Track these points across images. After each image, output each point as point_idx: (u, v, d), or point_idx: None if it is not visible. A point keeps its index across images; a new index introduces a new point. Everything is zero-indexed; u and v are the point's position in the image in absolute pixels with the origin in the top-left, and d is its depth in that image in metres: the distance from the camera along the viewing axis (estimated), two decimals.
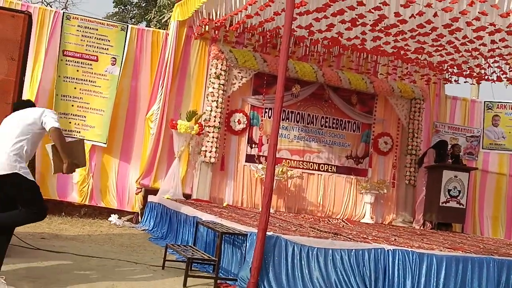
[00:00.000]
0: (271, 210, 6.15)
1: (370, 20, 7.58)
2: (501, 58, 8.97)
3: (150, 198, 8.49)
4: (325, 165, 9.86)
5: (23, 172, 4.07)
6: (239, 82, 9.12)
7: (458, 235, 8.72)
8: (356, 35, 8.55)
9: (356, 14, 7.35)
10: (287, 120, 9.68)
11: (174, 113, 8.88)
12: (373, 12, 7.11)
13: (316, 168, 9.85)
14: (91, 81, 8.71)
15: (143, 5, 19.48)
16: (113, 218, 8.33)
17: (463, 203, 9.70)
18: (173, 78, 8.92)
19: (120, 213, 8.56)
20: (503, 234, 10.66)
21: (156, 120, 8.74)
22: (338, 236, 6.08)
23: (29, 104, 4.59)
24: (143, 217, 8.42)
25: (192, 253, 5.14)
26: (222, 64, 8.91)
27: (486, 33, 7.52)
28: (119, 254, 5.67)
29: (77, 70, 8.65)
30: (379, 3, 6.75)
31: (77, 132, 8.51)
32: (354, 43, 9.05)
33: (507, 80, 10.12)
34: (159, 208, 7.97)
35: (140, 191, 8.71)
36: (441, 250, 5.82)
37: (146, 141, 8.87)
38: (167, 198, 8.13)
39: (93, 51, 8.75)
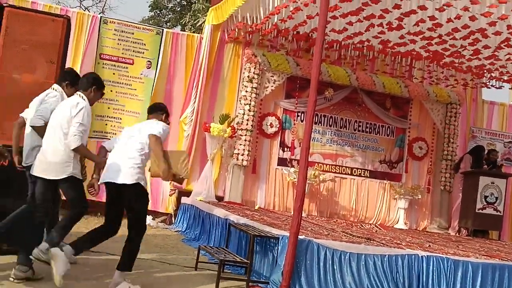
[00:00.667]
0: (303, 214, 6.14)
1: (405, 24, 7.49)
2: None
3: (184, 200, 8.57)
4: (358, 170, 9.78)
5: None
6: (272, 86, 9.14)
7: (495, 243, 8.51)
8: (391, 39, 8.46)
9: (394, 19, 7.27)
10: (320, 124, 9.64)
11: (208, 116, 8.97)
12: (409, 16, 7.03)
13: (349, 173, 9.78)
14: (127, 84, 8.87)
15: (178, 9, 19.75)
16: (148, 219, 8.44)
17: (500, 210, 9.47)
18: (207, 82, 9.01)
19: (154, 214, 8.67)
20: None
21: (190, 122, 8.84)
22: (371, 241, 6.03)
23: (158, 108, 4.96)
24: (176, 218, 8.51)
25: (225, 255, 5.17)
26: (255, 68, 8.95)
27: None
28: (153, 254, 5.75)
29: (114, 73, 8.83)
30: (416, 6, 6.67)
31: (113, 133, 8.68)
32: (388, 46, 8.95)
33: None
34: (192, 210, 8.05)
35: (174, 193, 8.80)
36: (477, 258, 5.71)
37: (180, 143, 8.97)
38: (200, 200, 8.20)
39: (129, 54, 8.91)
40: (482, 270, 5.34)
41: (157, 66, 8.99)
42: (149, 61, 8.99)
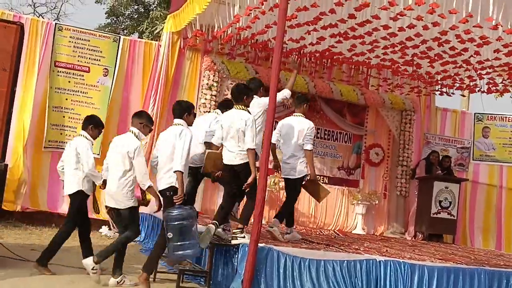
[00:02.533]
0: (263, 222, 6.14)
1: (360, 33, 7.65)
2: (492, 69, 9.07)
3: (142, 209, 8.41)
4: (317, 176, 9.84)
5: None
6: None
7: (449, 246, 8.75)
8: (347, 48, 8.62)
9: (347, 28, 7.41)
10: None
11: (166, 124, 8.86)
12: (364, 26, 7.17)
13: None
14: (83, 92, 8.70)
15: (136, 16, 19.52)
16: (104, 229, 8.28)
17: (454, 214, 9.74)
18: (165, 89, 8.93)
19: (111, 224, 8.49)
20: (494, 245, 10.69)
21: None
22: (330, 247, 6.09)
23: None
24: None
25: (184, 265, 5.12)
26: (214, 75, 8.93)
27: (475, 45, 7.61)
28: (110, 265, 5.62)
29: (69, 81, 8.64)
30: (370, 16, 6.81)
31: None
32: (345, 56, 9.12)
33: (497, 92, 10.24)
34: (150, 220, 7.93)
35: None
36: (432, 261, 5.85)
37: None
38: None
39: (85, 62, 8.75)
40: (437, 274, 5.47)
41: (114, 74, 8.86)
42: (105, 68, 8.86)
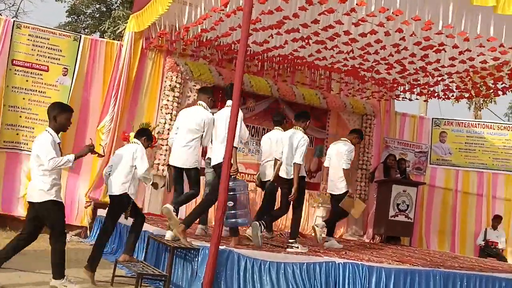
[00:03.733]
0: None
1: (323, 38, 7.74)
2: (448, 76, 9.33)
3: (100, 212, 8.28)
4: None
5: None
6: (194, 95, 9.08)
7: (406, 249, 8.94)
8: (310, 53, 8.71)
9: (310, 32, 7.49)
10: None
11: (127, 125, 8.75)
12: (326, 31, 7.26)
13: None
14: (41, 92, 8.49)
15: (97, 15, 19.18)
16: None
17: (411, 217, 9.94)
18: (127, 90, 8.80)
19: (68, 227, 8.28)
20: (449, 248, 10.99)
21: (107, 132, 8.58)
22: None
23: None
24: (92, 231, 8.21)
25: (142, 268, 5.05)
26: (177, 77, 8.87)
27: (433, 52, 7.81)
28: (66, 269, 5.49)
29: (27, 80, 8.41)
30: (333, 22, 6.90)
31: (25, 144, 8.25)
32: (307, 60, 9.21)
33: (454, 98, 10.55)
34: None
35: (90, 205, 8.49)
36: (389, 263, 5.97)
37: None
38: None
39: (44, 61, 8.54)
40: (394, 275, 5.59)
41: (74, 73, 8.67)
42: (65, 68, 8.66)
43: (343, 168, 7.44)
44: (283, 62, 9.58)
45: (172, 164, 6.13)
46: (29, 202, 4.94)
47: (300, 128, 6.76)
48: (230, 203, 5.41)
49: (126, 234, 6.89)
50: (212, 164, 5.95)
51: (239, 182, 5.73)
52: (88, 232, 8.31)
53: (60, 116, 5.02)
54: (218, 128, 5.92)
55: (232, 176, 5.42)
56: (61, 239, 4.87)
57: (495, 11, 5.34)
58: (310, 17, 6.91)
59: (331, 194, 7.81)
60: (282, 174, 6.52)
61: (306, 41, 7.92)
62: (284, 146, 6.58)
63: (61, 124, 5.08)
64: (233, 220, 5.59)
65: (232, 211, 5.53)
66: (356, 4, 6.07)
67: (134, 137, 6.06)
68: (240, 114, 5.52)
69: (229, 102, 5.97)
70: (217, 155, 5.75)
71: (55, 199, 4.79)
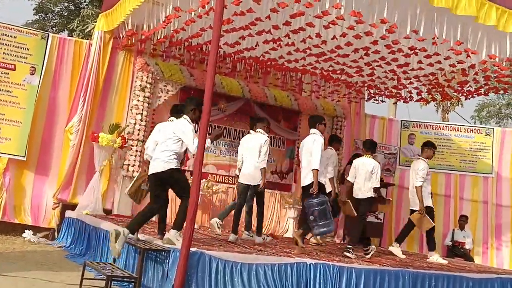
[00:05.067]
0: (195, 226, 6.08)
1: (294, 40, 7.77)
2: (416, 79, 9.50)
3: (68, 213, 8.15)
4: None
5: None
6: (165, 96, 9.02)
7: (376, 249, 9.03)
8: (281, 55, 8.74)
9: (282, 35, 7.51)
10: None
11: (96, 125, 8.61)
12: (297, 33, 7.30)
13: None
14: (8, 91, 8.28)
15: (66, 14, 18.83)
16: (28, 234, 7.91)
17: (381, 218, 10.06)
18: (96, 90, 8.66)
19: (36, 229, 8.14)
20: (417, 248, 11.17)
21: (76, 132, 8.43)
22: (262, 251, 6.12)
23: None
24: (60, 233, 8.06)
25: (112, 271, 4.97)
26: (147, 77, 8.77)
27: (402, 55, 7.93)
28: (33, 272, 5.38)
29: None
30: (304, 24, 6.94)
31: None
32: (278, 62, 9.24)
33: (422, 101, 10.74)
34: (77, 224, 7.66)
35: (57, 206, 8.33)
36: (360, 264, 6.02)
37: (65, 154, 8.52)
38: (86, 214, 7.84)
39: (11, 59, 8.34)
40: (364, 276, 5.64)
41: (41, 73, 8.49)
42: (32, 67, 8.47)
43: (416, 186, 7.85)
44: (255, 63, 9.59)
45: (242, 182, 7.22)
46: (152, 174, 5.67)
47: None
48: (314, 217, 6.36)
49: (95, 237, 6.80)
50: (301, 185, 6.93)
51: (322, 198, 6.51)
52: (56, 234, 8.15)
53: (199, 109, 5.64)
54: (303, 153, 6.92)
55: (315, 193, 6.46)
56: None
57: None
58: (281, 19, 6.94)
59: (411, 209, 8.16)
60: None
61: (278, 43, 7.94)
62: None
63: (198, 117, 5.77)
64: (323, 229, 6.46)
65: (320, 223, 6.39)
66: (332, 6, 6.10)
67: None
68: (321, 139, 6.76)
69: (312, 130, 7.01)
70: (304, 177, 6.81)
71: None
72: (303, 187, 6.90)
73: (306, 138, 7.08)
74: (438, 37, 6.67)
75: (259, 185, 7.14)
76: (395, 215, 11.44)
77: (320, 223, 6.38)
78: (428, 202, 7.91)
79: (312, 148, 6.70)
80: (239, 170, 7.45)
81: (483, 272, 7.10)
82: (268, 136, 7.35)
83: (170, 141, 5.68)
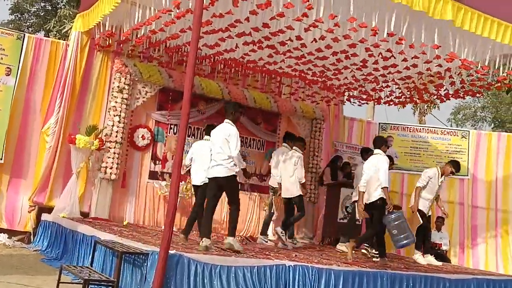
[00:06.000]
0: (174, 229, 6.04)
1: (274, 43, 7.78)
2: (393, 83, 9.60)
3: (44, 216, 8.02)
4: None
5: None
6: (144, 97, 8.94)
7: (354, 251, 9.08)
8: (260, 57, 8.75)
9: (261, 37, 7.51)
10: (193, 137, 9.61)
11: (73, 127, 8.49)
12: (277, 35, 7.31)
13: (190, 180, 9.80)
14: None
15: (42, 14, 18.62)
16: (3, 238, 7.76)
17: (359, 220, 10.12)
18: (73, 91, 8.55)
19: (11, 232, 7.99)
20: (395, 249, 11.26)
21: (52, 134, 8.31)
22: (241, 253, 6.11)
23: None
24: (36, 237, 7.93)
25: (89, 274, 4.91)
26: (125, 78, 8.67)
27: (381, 58, 8.00)
28: (9, 276, 5.28)
29: None
30: (284, 26, 6.96)
31: None
32: (258, 64, 9.24)
33: (399, 104, 10.86)
34: (53, 227, 7.55)
35: (33, 209, 8.19)
36: (338, 265, 6.05)
37: (41, 156, 8.40)
38: (63, 217, 7.72)
39: None
40: (343, 277, 5.67)
41: (17, 73, 8.36)
42: (8, 67, 8.33)
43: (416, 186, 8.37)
44: (235, 65, 9.58)
45: (284, 196, 8.14)
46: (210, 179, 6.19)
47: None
48: (395, 231, 7.01)
49: (72, 241, 6.71)
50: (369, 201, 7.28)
51: (399, 213, 7.13)
52: (32, 237, 8.01)
53: (238, 111, 6.42)
54: (365, 169, 7.41)
55: (390, 209, 7.06)
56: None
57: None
58: (261, 22, 6.94)
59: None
60: None
61: (257, 45, 7.95)
62: None
63: (238, 117, 6.44)
64: (405, 241, 7.06)
65: (401, 236, 6.99)
66: (306, 8, 6.13)
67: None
68: (387, 159, 7.30)
69: (377, 151, 7.46)
70: (370, 193, 7.24)
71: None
72: (370, 203, 7.28)
73: (370, 159, 7.53)
74: (415, 40, 6.76)
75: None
76: None
77: (401, 237, 6.99)
78: (421, 206, 8.25)
79: (379, 166, 7.16)
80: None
81: (460, 273, 7.21)
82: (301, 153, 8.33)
83: (226, 147, 6.08)
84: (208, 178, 6.27)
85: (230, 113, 6.34)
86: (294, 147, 8.34)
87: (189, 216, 7.24)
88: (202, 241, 5.86)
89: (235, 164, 6.09)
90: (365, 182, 7.21)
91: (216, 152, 6.14)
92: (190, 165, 7.39)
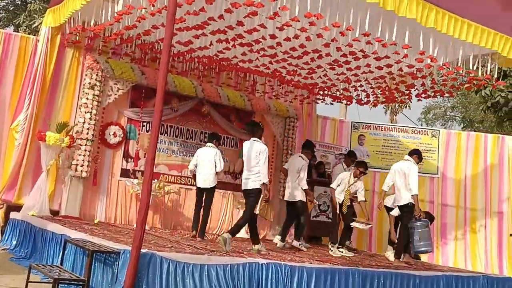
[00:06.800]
0: (146, 227, 6.00)
1: (248, 41, 7.78)
2: (366, 82, 9.70)
3: (13, 215, 7.86)
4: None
5: None
6: (116, 94, 8.82)
7: (327, 248, 9.16)
8: (234, 55, 8.73)
9: (235, 34, 7.50)
10: (166, 135, 9.54)
11: (43, 124, 8.34)
12: (251, 33, 7.31)
13: (194, 184, 9.78)
14: None
15: (11, 8, 18.21)
16: None
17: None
18: (43, 87, 8.39)
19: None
20: (366, 246, 11.40)
21: (22, 131, 8.14)
22: (215, 252, 6.10)
23: None
24: (4, 235, 7.76)
25: (59, 273, 4.83)
26: (97, 75, 8.53)
27: (353, 58, 8.08)
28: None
29: None
30: (257, 25, 6.96)
31: None
32: (232, 62, 9.23)
33: (371, 103, 10.98)
34: (22, 226, 7.40)
35: (2, 207, 8.03)
36: (311, 263, 6.09)
37: (10, 153, 8.22)
38: (32, 215, 7.58)
39: None
40: (315, 275, 5.71)
41: None
42: None
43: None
44: (208, 63, 9.55)
45: (287, 199, 8.46)
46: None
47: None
48: (418, 237, 7.37)
49: (41, 239, 6.60)
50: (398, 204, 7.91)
51: (424, 221, 7.49)
52: (0, 236, 7.84)
53: (261, 129, 7.44)
54: (396, 176, 7.88)
55: (418, 217, 7.48)
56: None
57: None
58: (235, 20, 6.93)
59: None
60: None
61: (232, 43, 7.93)
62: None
63: (262, 135, 7.33)
64: (423, 249, 7.52)
65: (422, 243, 7.40)
66: (279, 8, 6.14)
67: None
68: (416, 167, 7.77)
69: (407, 157, 8.07)
70: (399, 199, 7.83)
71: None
72: (399, 206, 7.86)
73: (400, 163, 8.01)
74: (387, 40, 6.84)
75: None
76: None
77: (422, 243, 7.39)
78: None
79: (409, 173, 7.59)
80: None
81: (429, 270, 7.34)
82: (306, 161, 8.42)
83: (255, 162, 6.83)
84: (243, 189, 6.97)
85: (257, 132, 7.17)
86: (300, 154, 8.56)
87: (195, 215, 8.17)
88: (254, 247, 6.77)
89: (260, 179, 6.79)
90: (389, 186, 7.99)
91: (250, 167, 6.86)
92: (195, 169, 8.13)
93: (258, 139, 7.08)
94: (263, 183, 6.75)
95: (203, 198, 8.06)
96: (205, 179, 7.97)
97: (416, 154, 8.15)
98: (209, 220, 8.20)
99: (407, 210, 7.65)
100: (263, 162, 6.79)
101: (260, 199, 6.87)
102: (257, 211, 6.85)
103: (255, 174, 6.79)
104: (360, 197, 8.36)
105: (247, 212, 6.83)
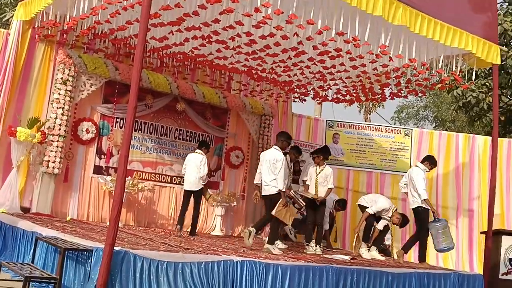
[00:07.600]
0: (120, 224, 5.93)
1: (224, 38, 7.75)
2: (341, 81, 9.77)
3: None
4: (178, 178, 9.77)
5: None
6: (88, 90, 8.68)
7: (301, 246, 9.21)
8: (210, 52, 8.69)
9: (210, 31, 7.46)
10: (140, 131, 9.45)
11: (14, 119, 8.17)
12: (227, 31, 7.28)
13: (169, 181, 9.74)
14: None
15: None
16: None
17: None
18: (13, 82, 8.22)
19: None
20: (340, 244, 11.50)
21: None
22: (189, 249, 6.07)
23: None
24: None
25: (30, 271, 4.73)
26: (69, 70, 8.38)
27: (328, 57, 8.12)
28: None
29: None
30: (234, 22, 6.93)
31: None
32: (207, 59, 9.18)
33: (345, 102, 11.07)
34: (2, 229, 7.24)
35: None
36: (285, 260, 6.12)
37: None
38: (2, 212, 7.43)
39: None
40: (290, 272, 5.73)
41: None
42: None
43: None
44: (184, 59, 9.48)
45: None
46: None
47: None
48: (439, 237, 7.96)
49: (12, 237, 6.47)
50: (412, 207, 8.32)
51: (443, 222, 8.06)
52: None
53: (287, 141, 7.60)
54: (409, 180, 8.29)
55: (437, 217, 8.09)
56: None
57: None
58: (210, 16, 6.89)
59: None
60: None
61: (207, 39, 7.89)
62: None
63: (285, 147, 7.64)
64: (446, 247, 8.11)
65: (443, 241, 7.96)
66: (262, 5, 6.11)
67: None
68: (424, 174, 8.14)
69: (418, 164, 8.39)
70: (410, 202, 8.30)
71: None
72: (412, 208, 8.27)
73: (411, 169, 8.55)
74: (360, 39, 6.88)
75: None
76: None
77: (443, 242, 7.96)
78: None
79: (416, 179, 8.04)
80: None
81: (402, 267, 7.43)
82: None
83: (272, 169, 7.21)
84: (263, 195, 7.48)
85: (281, 141, 7.46)
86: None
87: (180, 214, 8.57)
88: (268, 245, 7.10)
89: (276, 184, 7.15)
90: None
91: (266, 174, 7.26)
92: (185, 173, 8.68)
93: (279, 148, 7.42)
94: (279, 189, 7.12)
95: (189, 199, 8.59)
96: (191, 182, 8.52)
97: (427, 161, 8.39)
98: (199, 219, 8.95)
99: (415, 213, 8.22)
100: (278, 170, 7.14)
101: (278, 203, 7.11)
102: (273, 212, 7.11)
103: (272, 181, 7.20)
104: (329, 184, 8.25)
105: (268, 213, 7.34)
